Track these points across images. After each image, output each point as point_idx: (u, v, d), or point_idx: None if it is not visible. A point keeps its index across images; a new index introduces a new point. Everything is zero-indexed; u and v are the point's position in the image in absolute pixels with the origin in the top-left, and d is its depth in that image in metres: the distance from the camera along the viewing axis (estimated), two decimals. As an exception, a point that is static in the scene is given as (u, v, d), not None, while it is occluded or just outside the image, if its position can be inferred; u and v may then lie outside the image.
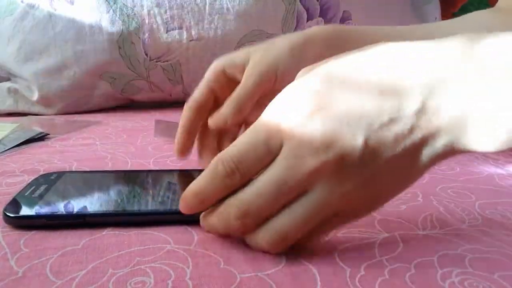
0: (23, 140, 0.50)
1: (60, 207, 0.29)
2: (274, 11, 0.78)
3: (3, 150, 0.46)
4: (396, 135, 0.22)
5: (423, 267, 0.24)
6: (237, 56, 0.38)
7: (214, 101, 0.39)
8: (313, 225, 0.24)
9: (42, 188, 0.32)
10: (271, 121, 0.24)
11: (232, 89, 0.38)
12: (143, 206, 0.30)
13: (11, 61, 0.70)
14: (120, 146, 0.49)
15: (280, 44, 0.38)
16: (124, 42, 0.69)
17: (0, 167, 0.41)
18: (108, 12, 0.69)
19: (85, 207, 0.30)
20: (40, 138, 0.52)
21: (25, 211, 0.29)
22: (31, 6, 0.69)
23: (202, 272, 0.24)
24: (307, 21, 0.83)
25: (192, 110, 0.38)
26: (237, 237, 0.27)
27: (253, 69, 0.36)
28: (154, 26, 0.70)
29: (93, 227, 0.28)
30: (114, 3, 0.69)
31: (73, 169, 0.40)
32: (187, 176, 0.36)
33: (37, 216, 0.28)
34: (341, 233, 0.28)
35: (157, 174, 0.37)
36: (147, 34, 0.70)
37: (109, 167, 0.41)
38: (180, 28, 0.72)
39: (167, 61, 0.72)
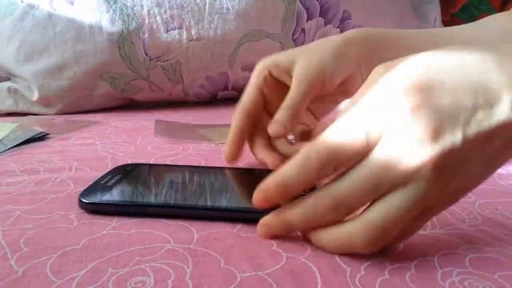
0: (23, 140, 0.50)
1: (127, 197, 0.32)
2: (274, 11, 0.78)
3: (3, 150, 0.46)
4: (490, 130, 0.22)
5: (423, 267, 0.24)
6: (281, 59, 0.39)
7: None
8: (409, 221, 0.24)
9: (117, 178, 0.35)
10: (370, 114, 0.24)
11: (279, 91, 0.39)
12: (203, 201, 0.31)
13: (11, 61, 0.70)
14: (120, 146, 0.49)
15: (323, 48, 0.39)
16: (124, 42, 0.69)
17: (0, 167, 0.41)
18: (108, 12, 0.69)
19: (149, 198, 0.32)
20: (40, 138, 0.52)
21: (96, 198, 0.31)
22: (31, 6, 0.69)
23: (202, 271, 0.24)
24: (307, 21, 0.83)
25: (245, 115, 0.40)
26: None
27: (302, 75, 0.37)
28: (154, 26, 0.70)
29: (155, 217, 0.30)
30: (114, 3, 0.69)
31: (73, 169, 0.40)
32: (251, 174, 0.38)
33: (105, 204, 0.31)
34: (341, 232, 0.28)
35: (226, 171, 0.38)
36: (147, 34, 0.70)
37: (109, 167, 0.41)
38: (180, 28, 0.72)
39: (167, 61, 0.72)
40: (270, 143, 0.40)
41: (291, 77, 0.39)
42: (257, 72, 0.40)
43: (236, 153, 0.40)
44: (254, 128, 0.40)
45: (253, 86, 0.40)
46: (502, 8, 1.18)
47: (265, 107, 0.41)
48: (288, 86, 0.39)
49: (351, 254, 0.26)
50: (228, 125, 0.42)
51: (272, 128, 0.37)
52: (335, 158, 0.24)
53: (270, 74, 0.40)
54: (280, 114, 0.37)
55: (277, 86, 0.40)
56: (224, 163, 0.43)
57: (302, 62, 0.38)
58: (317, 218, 0.25)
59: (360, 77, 0.40)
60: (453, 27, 0.48)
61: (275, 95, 0.39)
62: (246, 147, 0.47)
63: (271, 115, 0.39)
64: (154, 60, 0.72)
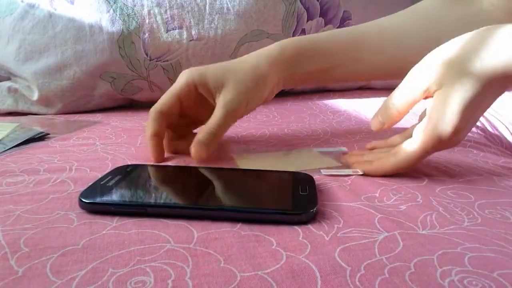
0: (23, 140, 0.50)
1: (127, 197, 0.32)
2: (274, 11, 0.78)
3: (3, 150, 0.46)
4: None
5: (422, 266, 0.24)
6: (208, 78, 0.44)
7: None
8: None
9: (117, 178, 0.35)
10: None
11: (197, 100, 0.45)
12: (203, 200, 0.32)
13: (11, 61, 0.70)
14: (120, 146, 0.49)
15: (248, 74, 0.44)
16: (124, 42, 0.69)
17: (0, 167, 0.41)
18: (108, 11, 0.69)
19: (149, 198, 0.32)
20: (40, 138, 0.52)
21: (96, 198, 0.31)
22: (31, 6, 0.69)
23: (202, 271, 0.24)
24: (307, 21, 0.83)
25: (161, 118, 0.44)
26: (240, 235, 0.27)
27: (227, 105, 0.43)
28: (154, 25, 0.70)
29: (155, 217, 0.30)
30: (114, 3, 0.69)
31: (73, 169, 0.41)
32: (250, 174, 0.38)
33: (105, 204, 0.31)
34: (341, 232, 0.29)
35: (226, 171, 0.39)
36: (147, 34, 0.70)
37: (109, 167, 0.41)
38: (180, 28, 0.72)
39: (167, 61, 0.72)
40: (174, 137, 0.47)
41: (213, 98, 0.44)
42: (182, 83, 0.44)
43: (161, 152, 0.44)
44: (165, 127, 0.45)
45: (174, 94, 0.44)
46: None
47: (180, 110, 0.46)
48: (208, 101, 0.45)
49: (351, 253, 0.26)
50: (259, 153, 0.46)
51: (195, 151, 0.41)
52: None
53: (196, 88, 0.44)
54: (203, 137, 0.42)
55: (197, 97, 0.45)
56: (224, 163, 0.43)
57: (228, 91, 0.43)
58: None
59: (276, 91, 0.49)
60: (383, 23, 0.51)
61: (193, 103, 0.45)
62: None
63: (182, 115, 0.46)
64: (154, 60, 0.72)
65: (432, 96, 0.36)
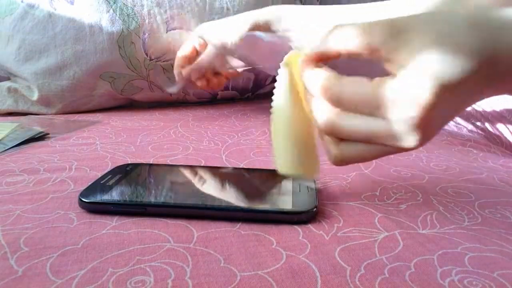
0: (23, 139, 0.50)
1: (127, 196, 0.32)
2: (274, 11, 0.78)
3: (3, 149, 0.46)
4: None
5: (423, 266, 0.24)
6: (212, 33, 0.58)
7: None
8: None
9: (117, 177, 0.35)
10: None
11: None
12: (203, 200, 0.32)
13: (11, 61, 0.70)
14: (120, 146, 0.49)
15: (233, 35, 0.54)
16: (124, 42, 0.69)
17: (0, 166, 0.41)
18: (108, 11, 0.69)
19: (149, 197, 0.32)
20: (40, 137, 0.52)
21: (96, 197, 0.31)
22: (31, 6, 0.69)
23: (202, 271, 0.24)
24: (307, 21, 0.83)
25: (184, 60, 0.63)
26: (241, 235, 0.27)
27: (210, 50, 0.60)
28: (154, 26, 0.70)
29: (155, 217, 0.30)
30: (114, 3, 0.69)
31: (73, 169, 0.41)
32: (251, 174, 0.38)
33: (105, 203, 0.31)
34: (341, 232, 0.29)
35: (226, 171, 0.39)
36: (147, 34, 0.70)
37: (109, 166, 0.41)
38: (180, 28, 0.72)
39: (167, 61, 0.72)
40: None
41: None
42: (198, 37, 0.61)
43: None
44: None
45: (192, 44, 0.63)
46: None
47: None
48: None
49: (351, 253, 0.26)
50: None
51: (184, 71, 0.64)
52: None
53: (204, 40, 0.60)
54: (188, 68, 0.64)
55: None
56: (224, 163, 0.43)
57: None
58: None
59: None
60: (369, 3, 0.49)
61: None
62: (244, 153, 0.47)
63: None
64: (154, 60, 0.71)
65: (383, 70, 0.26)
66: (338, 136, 0.27)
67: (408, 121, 0.24)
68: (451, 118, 0.27)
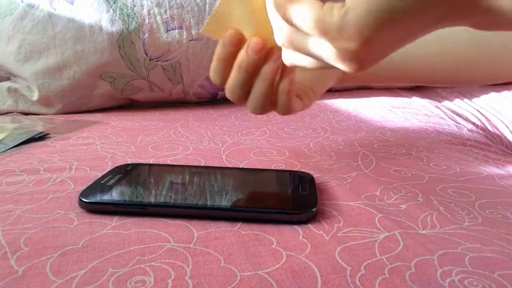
0: (23, 139, 0.50)
1: (127, 196, 0.32)
2: (274, 11, 0.78)
3: (3, 150, 0.46)
4: None
5: (423, 266, 0.24)
6: None
7: None
8: None
9: (117, 177, 0.35)
10: None
11: None
12: (203, 200, 0.31)
13: (11, 61, 0.70)
14: (120, 146, 0.49)
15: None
16: (124, 41, 0.69)
17: (0, 166, 0.41)
18: (108, 12, 0.69)
19: (149, 197, 0.32)
20: (40, 138, 0.52)
21: (96, 197, 0.31)
22: (31, 6, 0.69)
23: (202, 270, 0.24)
24: (307, 21, 0.83)
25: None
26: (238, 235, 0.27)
27: None
28: (154, 25, 0.70)
29: (155, 217, 0.30)
30: (114, 3, 0.69)
31: (73, 169, 0.40)
32: (251, 174, 0.38)
33: (105, 203, 0.31)
34: (341, 232, 0.28)
35: (226, 171, 0.39)
36: (147, 34, 0.70)
37: (109, 166, 0.41)
38: (180, 28, 0.72)
39: (167, 60, 0.72)
40: None
41: None
42: None
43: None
44: None
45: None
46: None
47: None
48: None
49: (351, 253, 0.26)
50: None
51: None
52: None
53: None
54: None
55: None
56: (224, 163, 0.43)
57: None
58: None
59: None
60: None
61: None
62: (244, 153, 0.47)
63: None
64: (154, 60, 0.72)
65: None
66: (297, 51, 0.28)
67: (347, 53, 0.24)
68: (398, 47, 0.26)
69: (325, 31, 0.25)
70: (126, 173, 0.37)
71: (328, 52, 0.26)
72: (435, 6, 0.23)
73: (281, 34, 0.28)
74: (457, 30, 0.47)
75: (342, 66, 0.26)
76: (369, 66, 0.26)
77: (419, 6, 0.23)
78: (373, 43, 0.24)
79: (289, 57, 0.30)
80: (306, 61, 0.29)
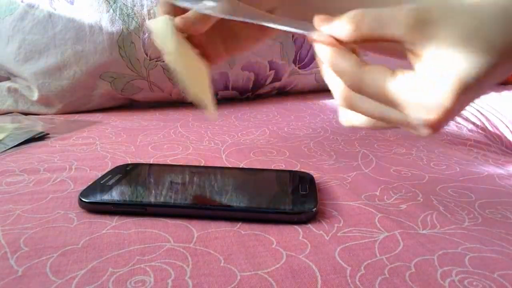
0: (23, 139, 0.50)
1: (127, 196, 0.32)
2: (274, 11, 0.78)
3: (3, 150, 0.46)
4: None
5: (423, 266, 0.24)
6: None
7: None
8: None
9: (117, 177, 0.35)
10: None
11: None
12: (203, 200, 0.32)
13: (11, 61, 0.70)
14: (120, 146, 0.49)
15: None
16: (124, 41, 0.69)
17: (0, 166, 0.41)
18: (108, 11, 0.69)
19: (149, 197, 0.32)
20: (40, 137, 0.52)
21: (96, 197, 0.31)
22: (31, 6, 0.69)
23: (202, 270, 0.24)
24: (307, 21, 0.83)
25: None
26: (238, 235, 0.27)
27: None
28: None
29: (155, 217, 0.30)
30: (114, 3, 0.69)
31: (73, 169, 0.40)
32: (251, 174, 0.38)
33: (105, 203, 0.31)
34: (342, 232, 0.28)
35: (226, 171, 0.39)
36: (147, 34, 0.70)
37: (109, 166, 0.41)
38: (180, 28, 0.72)
39: (167, 61, 0.72)
40: None
41: None
42: None
43: None
44: None
45: None
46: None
47: None
48: None
49: (351, 253, 0.26)
50: None
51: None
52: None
53: None
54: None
55: None
56: (224, 163, 0.43)
57: None
58: None
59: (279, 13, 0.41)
60: None
61: None
62: (244, 153, 0.47)
63: None
64: (154, 60, 0.71)
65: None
66: (353, 110, 0.28)
67: (424, 122, 0.24)
68: (464, 109, 0.27)
69: (400, 102, 0.25)
70: (126, 173, 0.37)
71: (397, 117, 0.26)
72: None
73: (338, 93, 0.28)
74: None
75: (414, 131, 0.26)
76: (442, 127, 0.26)
77: (507, 70, 0.24)
78: (452, 112, 0.24)
79: (347, 118, 0.29)
80: (366, 122, 0.28)
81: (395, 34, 0.25)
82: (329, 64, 0.28)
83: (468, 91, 0.23)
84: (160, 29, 0.37)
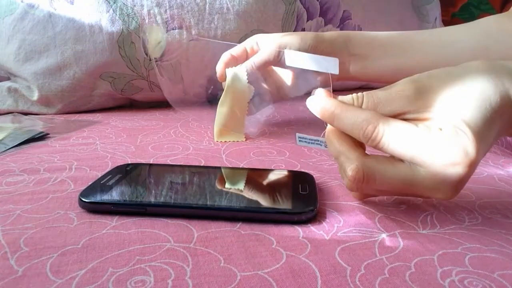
0: (23, 139, 0.50)
1: (127, 196, 0.32)
2: (274, 11, 0.78)
3: (3, 150, 0.46)
4: None
5: (423, 266, 0.24)
6: (269, 39, 0.54)
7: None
8: None
9: (117, 177, 0.35)
10: None
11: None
12: (203, 200, 0.32)
13: (11, 61, 0.70)
14: (120, 146, 0.49)
15: (299, 43, 0.51)
16: (124, 41, 0.69)
17: (0, 166, 0.41)
18: (108, 11, 0.69)
19: (149, 197, 0.32)
20: (40, 137, 0.52)
21: (96, 197, 0.31)
22: (31, 6, 0.69)
23: (202, 270, 0.24)
24: (307, 21, 0.83)
25: (231, 59, 0.55)
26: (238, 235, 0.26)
27: (269, 49, 0.52)
28: (154, 25, 0.70)
29: (155, 217, 0.30)
30: (114, 3, 0.69)
31: (73, 169, 0.40)
32: (250, 174, 0.38)
33: (105, 203, 0.31)
34: (342, 232, 0.28)
35: (226, 171, 0.39)
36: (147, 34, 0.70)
37: (109, 166, 0.41)
38: (180, 27, 0.72)
39: (167, 60, 0.72)
40: None
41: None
42: (251, 39, 0.56)
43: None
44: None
45: (242, 45, 0.56)
46: (502, 7, 1.18)
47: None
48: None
49: (351, 252, 0.26)
50: None
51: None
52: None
53: (257, 44, 0.55)
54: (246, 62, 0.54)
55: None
56: (224, 163, 0.43)
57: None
58: None
59: None
60: (439, 29, 0.53)
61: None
62: (244, 153, 0.47)
63: None
64: (154, 60, 0.71)
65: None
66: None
67: (451, 179, 0.27)
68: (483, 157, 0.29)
69: (425, 158, 0.27)
70: (126, 173, 0.37)
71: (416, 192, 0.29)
72: None
73: (353, 187, 0.30)
74: (458, 39, 0.49)
75: (436, 196, 0.28)
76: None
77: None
78: (477, 161, 0.27)
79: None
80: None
81: (403, 109, 0.29)
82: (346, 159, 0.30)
83: (482, 136, 0.26)
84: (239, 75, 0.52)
